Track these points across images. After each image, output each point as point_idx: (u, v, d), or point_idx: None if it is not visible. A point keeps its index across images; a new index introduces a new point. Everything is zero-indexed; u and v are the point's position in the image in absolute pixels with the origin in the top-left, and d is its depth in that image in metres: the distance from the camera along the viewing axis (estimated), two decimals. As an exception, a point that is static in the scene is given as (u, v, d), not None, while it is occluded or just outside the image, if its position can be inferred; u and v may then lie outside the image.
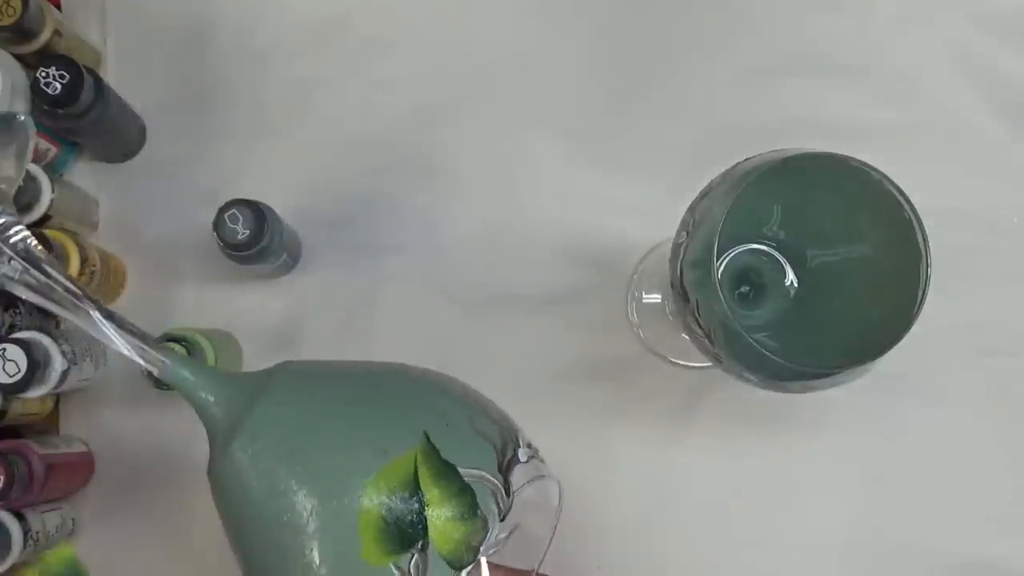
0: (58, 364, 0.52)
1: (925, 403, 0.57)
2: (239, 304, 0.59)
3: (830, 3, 0.61)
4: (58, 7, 0.61)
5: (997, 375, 0.57)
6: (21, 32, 0.54)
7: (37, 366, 0.51)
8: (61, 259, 0.51)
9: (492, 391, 0.57)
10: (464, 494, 0.37)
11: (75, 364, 0.53)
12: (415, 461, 0.37)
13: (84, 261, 0.53)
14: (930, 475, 0.57)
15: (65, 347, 0.52)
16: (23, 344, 0.50)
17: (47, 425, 0.58)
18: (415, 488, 0.36)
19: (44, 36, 0.55)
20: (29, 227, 0.53)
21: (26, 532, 0.50)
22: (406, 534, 0.36)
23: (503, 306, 0.59)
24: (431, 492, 0.36)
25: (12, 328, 0.52)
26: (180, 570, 0.57)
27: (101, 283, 0.56)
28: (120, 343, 0.40)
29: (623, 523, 0.57)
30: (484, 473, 0.38)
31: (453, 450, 0.38)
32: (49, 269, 0.40)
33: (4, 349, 0.50)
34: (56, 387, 0.53)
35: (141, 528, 0.57)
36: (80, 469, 0.57)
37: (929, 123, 0.59)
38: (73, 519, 0.56)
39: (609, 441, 0.57)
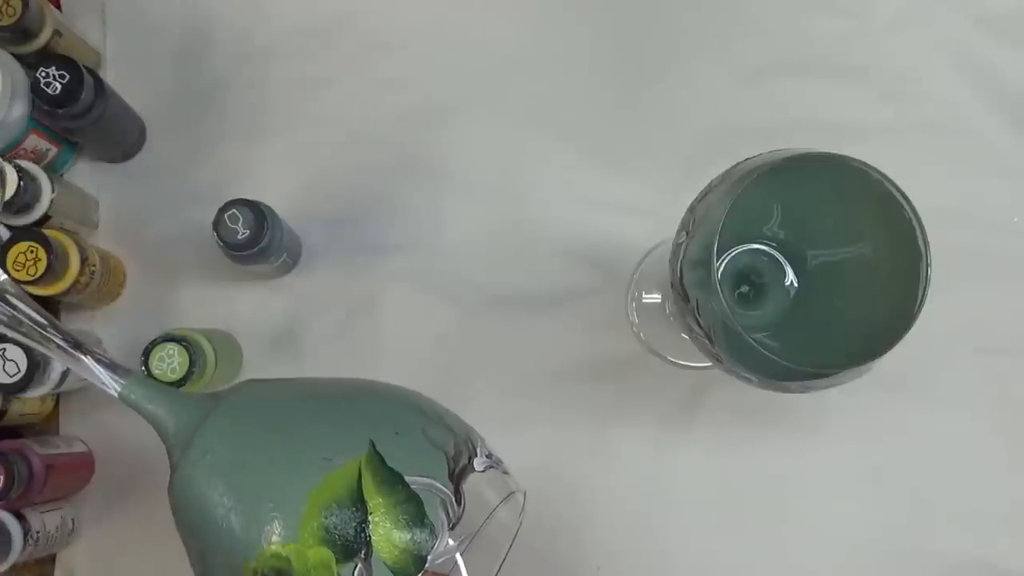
0: (58, 364, 0.52)
1: (925, 403, 0.57)
2: (239, 304, 0.59)
3: (830, 4, 0.61)
4: (58, 7, 0.61)
5: (997, 375, 0.57)
6: (21, 32, 0.54)
7: (37, 366, 0.51)
8: (61, 259, 0.51)
9: (492, 391, 0.58)
10: (410, 502, 0.36)
11: (75, 364, 0.53)
12: (359, 469, 0.36)
13: (84, 261, 0.53)
14: (930, 475, 0.57)
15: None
16: (23, 344, 0.50)
17: (47, 425, 0.58)
18: (358, 497, 0.36)
19: (44, 36, 0.55)
20: (29, 227, 0.53)
21: (26, 532, 0.50)
22: (349, 543, 0.35)
23: (503, 306, 0.59)
24: (375, 500, 0.36)
25: (12, 328, 0.53)
26: (180, 570, 0.57)
27: (101, 283, 0.56)
28: (99, 376, 0.40)
29: (623, 523, 0.57)
30: (433, 481, 0.37)
31: (401, 458, 0.37)
32: (14, 300, 0.40)
33: (4, 349, 0.51)
34: (56, 387, 0.53)
35: (141, 528, 0.57)
36: (80, 469, 0.57)
37: (929, 123, 0.59)
38: (73, 519, 0.56)
39: (609, 441, 0.58)
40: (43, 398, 0.56)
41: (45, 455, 0.52)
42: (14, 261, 0.50)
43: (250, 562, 0.36)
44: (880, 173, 0.38)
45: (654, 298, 0.58)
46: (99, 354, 0.41)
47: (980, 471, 0.57)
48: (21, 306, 0.41)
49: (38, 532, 0.52)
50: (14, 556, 0.50)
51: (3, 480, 0.48)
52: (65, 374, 0.53)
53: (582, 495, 0.57)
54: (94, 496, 0.58)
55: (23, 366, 0.51)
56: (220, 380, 0.56)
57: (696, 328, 0.42)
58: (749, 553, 0.57)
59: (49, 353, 0.41)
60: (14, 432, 0.56)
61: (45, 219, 0.54)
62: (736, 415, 0.58)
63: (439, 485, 0.37)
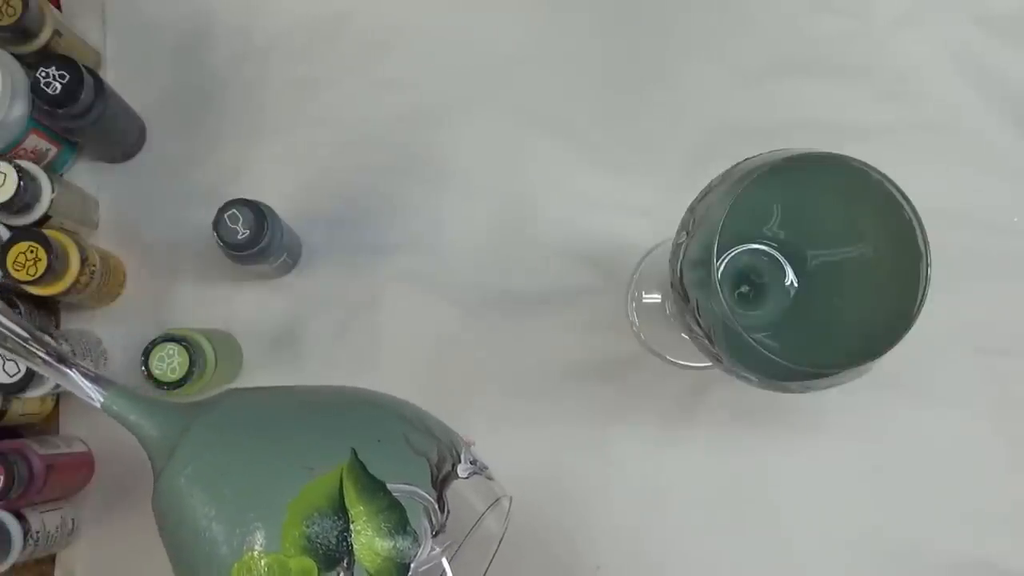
0: (58, 364, 0.52)
1: (925, 403, 0.57)
2: (239, 304, 0.59)
3: (830, 4, 0.61)
4: (58, 7, 0.61)
5: (997, 375, 0.57)
6: (21, 32, 0.54)
7: (37, 366, 0.51)
8: (61, 259, 0.51)
9: (491, 390, 0.58)
10: (393, 510, 0.36)
11: (75, 364, 0.53)
12: (340, 478, 0.36)
13: (84, 261, 0.53)
14: (930, 475, 0.57)
15: (65, 347, 0.52)
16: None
17: (47, 425, 0.58)
18: (340, 505, 0.36)
19: (44, 36, 0.55)
20: (29, 227, 0.53)
21: (26, 532, 0.50)
22: (331, 552, 0.35)
23: (503, 306, 0.59)
24: (356, 509, 0.36)
25: (12, 328, 0.52)
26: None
27: (101, 283, 0.56)
28: (82, 389, 0.41)
29: (622, 522, 0.57)
30: (416, 489, 0.37)
31: (383, 466, 0.37)
32: None
33: (4, 349, 0.50)
34: (56, 387, 0.53)
35: (141, 528, 0.57)
36: (80, 469, 0.57)
37: (929, 123, 0.59)
38: (73, 519, 0.56)
39: (608, 441, 0.57)
40: (43, 398, 0.56)
41: (45, 455, 0.52)
42: (14, 261, 0.50)
43: (233, 571, 0.36)
44: (880, 173, 0.38)
45: (654, 298, 0.58)
46: (83, 367, 0.41)
47: (980, 471, 0.57)
48: (3, 319, 0.41)
49: (38, 532, 0.52)
50: (14, 556, 0.50)
51: (3, 480, 0.48)
52: (65, 374, 0.53)
53: (582, 495, 0.57)
54: (94, 496, 0.58)
55: (23, 366, 0.51)
56: (220, 380, 0.56)
57: (696, 328, 0.42)
58: (749, 552, 0.57)
59: (33, 366, 0.41)
60: (14, 432, 0.56)
61: (45, 219, 0.54)
62: (736, 415, 0.57)
63: (422, 492, 0.37)
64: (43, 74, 0.51)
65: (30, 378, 0.51)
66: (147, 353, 0.52)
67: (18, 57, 0.54)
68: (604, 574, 0.57)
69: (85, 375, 0.41)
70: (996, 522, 0.56)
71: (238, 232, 0.51)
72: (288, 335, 0.59)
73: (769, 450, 0.57)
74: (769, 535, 0.57)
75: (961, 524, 0.56)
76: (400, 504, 0.36)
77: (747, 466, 0.57)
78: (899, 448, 0.57)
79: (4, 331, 0.40)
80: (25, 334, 0.41)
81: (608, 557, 0.57)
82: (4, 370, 0.50)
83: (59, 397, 0.59)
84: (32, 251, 0.50)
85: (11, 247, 0.50)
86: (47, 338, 0.42)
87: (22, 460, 0.50)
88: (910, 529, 0.56)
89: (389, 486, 0.37)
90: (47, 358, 0.41)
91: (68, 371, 0.41)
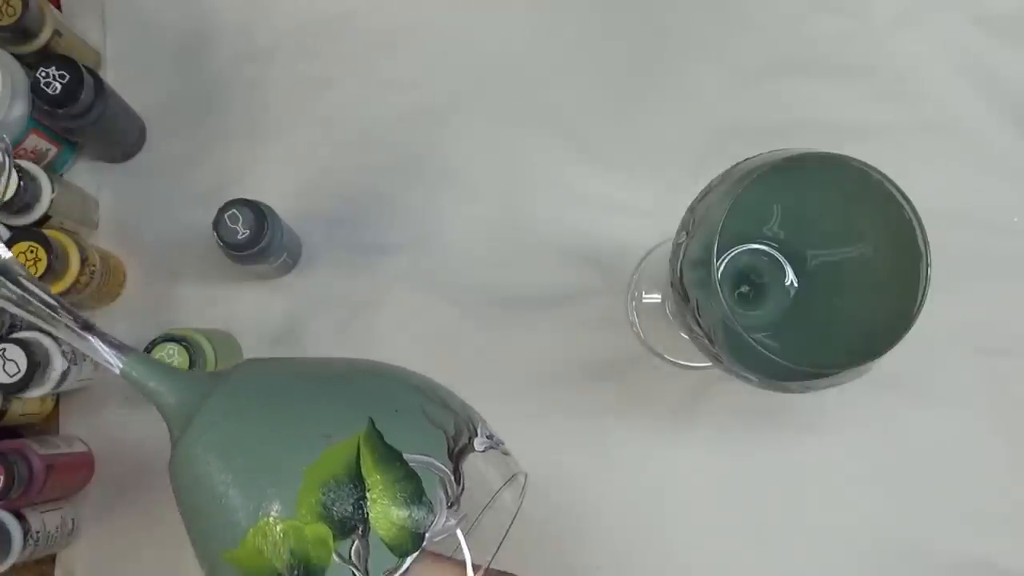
0: (58, 364, 0.52)
1: (925, 403, 0.57)
2: (239, 304, 0.59)
3: (830, 3, 0.61)
4: (58, 7, 0.61)
5: (997, 375, 0.57)
6: (21, 32, 0.54)
7: (37, 366, 0.51)
8: (61, 259, 0.51)
9: (492, 390, 0.57)
10: (409, 480, 0.36)
11: (75, 364, 0.53)
12: (357, 446, 0.37)
13: (84, 261, 0.53)
14: (930, 475, 0.57)
15: (65, 347, 0.52)
16: (23, 344, 0.50)
17: (47, 425, 0.58)
18: (356, 473, 0.36)
19: (44, 36, 0.55)
20: (29, 227, 0.53)
21: (26, 532, 0.50)
22: (346, 520, 0.35)
23: (503, 306, 0.59)
24: (373, 477, 0.36)
25: (12, 328, 0.52)
26: (180, 569, 0.57)
27: (101, 283, 0.56)
28: (102, 355, 0.41)
29: (623, 523, 0.57)
30: (432, 460, 0.37)
31: (400, 435, 0.37)
32: (25, 282, 0.40)
33: (4, 349, 0.51)
34: (56, 387, 0.53)
35: (141, 528, 0.57)
36: (80, 469, 0.57)
37: (929, 123, 0.59)
38: (73, 519, 0.56)
39: (608, 441, 0.57)
40: (43, 398, 0.56)
41: (45, 455, 0.52)
42: (14, 261, 0.50)
43: (248, 536, 0.36)
44: (880, 173, 0.38)
45: (654, 298, 0.58)
46: (105, 334, 0.41)
47: (980, 471, 0.57)
48: (29, 286, 0.41)
49: (38, 532, 0.52)
50: (14, 556, 0.50)
51: (3, 480, 0.48)
52: (65, 374, 0.53)
53: (582, 495, 0.57)
54: (94, 496, 0.58)
55: (23, 366, 0.51)
56: (220, 380, 0.56)
57: (696, 328, 0.42)
58: (749, 552, 0.57)
59: (56, 332, 0.41)
60: (14, 432, 0.56)
61: (45, 219, 0.54)
62: (736, 415, 0.57)
63: (438, 463, 0.37)
64: (43, 74, 0.51)
65: (30, 378, 0.51)
66: (147, 353, 0.52)
67: (18, 57, 0.54)
68: (604, 574, 0.57)
69: (104, 340, 0.41)
70: (996, 522, 0.56)
71: (238, 232, 0.51)
72: (288, 335, 0.59)
73: (769, 450, 0.57)
74: (769, 535, 0.57)
75: (961, 524, 0.56)
76: (416, 474, 0.36)
77: (747, 466, 0.57)
78: (899, 448, 0.57)
79: (29, 297, 0.40)
80: (52, 301, 0.41)
81: (608, 557, 0.57)
82: (4, 370, 0.50)
83: (59, 397, 0.59)
84: (32, 251, 0.50)
85: (11, 247, 0.50)
86: (69, 306, 0.42)
87: (22, 460, 0.50)
88: (910, 529, 0.56)
89: (406, 456, 0.37)
90: (72, 325, 0.41)
91: (88, 337, 0.41)
